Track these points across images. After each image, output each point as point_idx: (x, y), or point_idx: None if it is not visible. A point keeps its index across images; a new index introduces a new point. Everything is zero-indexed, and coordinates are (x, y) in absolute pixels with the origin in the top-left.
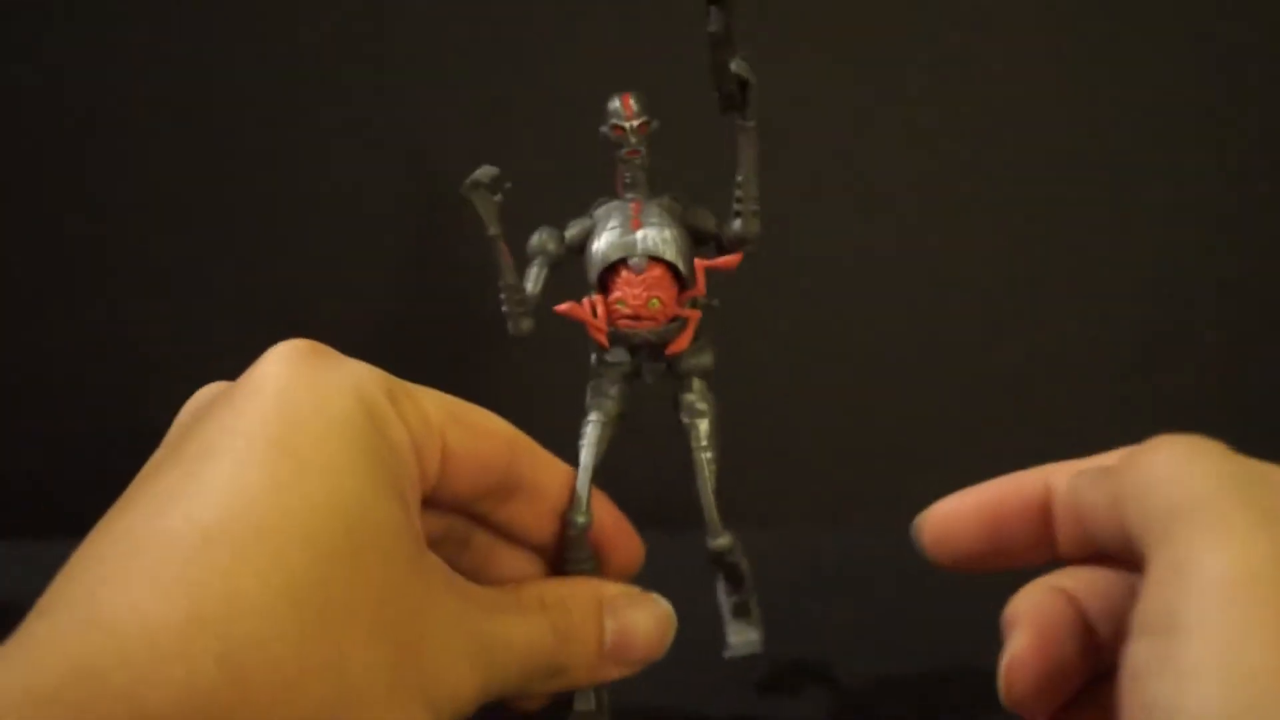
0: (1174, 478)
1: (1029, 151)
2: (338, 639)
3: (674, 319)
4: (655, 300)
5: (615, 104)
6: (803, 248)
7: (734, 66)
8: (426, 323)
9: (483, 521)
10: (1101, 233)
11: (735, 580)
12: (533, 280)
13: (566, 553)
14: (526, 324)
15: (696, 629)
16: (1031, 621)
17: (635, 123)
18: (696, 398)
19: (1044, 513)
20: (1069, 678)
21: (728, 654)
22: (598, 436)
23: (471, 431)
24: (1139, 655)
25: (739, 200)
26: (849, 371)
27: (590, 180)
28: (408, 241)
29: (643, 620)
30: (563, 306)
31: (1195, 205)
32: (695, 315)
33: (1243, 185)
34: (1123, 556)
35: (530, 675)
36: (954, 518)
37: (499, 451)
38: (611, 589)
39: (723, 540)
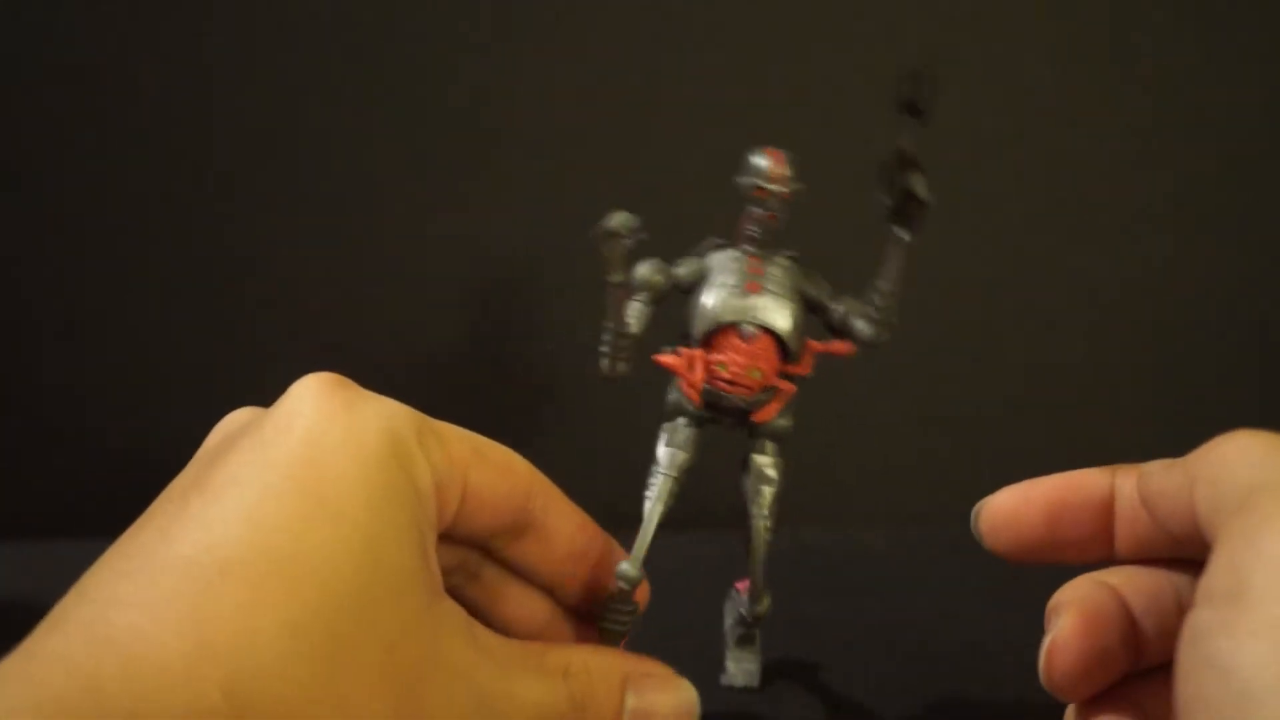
0: (1249, 461)
1: (1033, 157)
2: (342, 681)
3: (767, 388)
4: (757, 371)
5: (764, 162)
6: (814, 249)
7: (917, 187)
8: (475, 359)
9: (493, 556)
10: (1104, 242)
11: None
12: (635, 318)
13: (610, 603)
14: (623, 368)
15: (700, 628)
16: (1077, 608)
17: (784, 189)
18: (768, 464)
19: (1106, 509)
20: (1109, 665)
21: (725, 681)
22: (666, 491)
23: (493, 471)
24: (1202, 619)
25: (878, 307)
26: (851, 374)
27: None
28: (464, 280)
29: (666, 704)
30: (665, 359)
31: (1200, 210)
32: (790, 390)
33: (1247, 189)
34: (1186, 544)
35: None
36: (1016, 506)
37: (516, 492)
38: (640, 665)
39: (763, 606)
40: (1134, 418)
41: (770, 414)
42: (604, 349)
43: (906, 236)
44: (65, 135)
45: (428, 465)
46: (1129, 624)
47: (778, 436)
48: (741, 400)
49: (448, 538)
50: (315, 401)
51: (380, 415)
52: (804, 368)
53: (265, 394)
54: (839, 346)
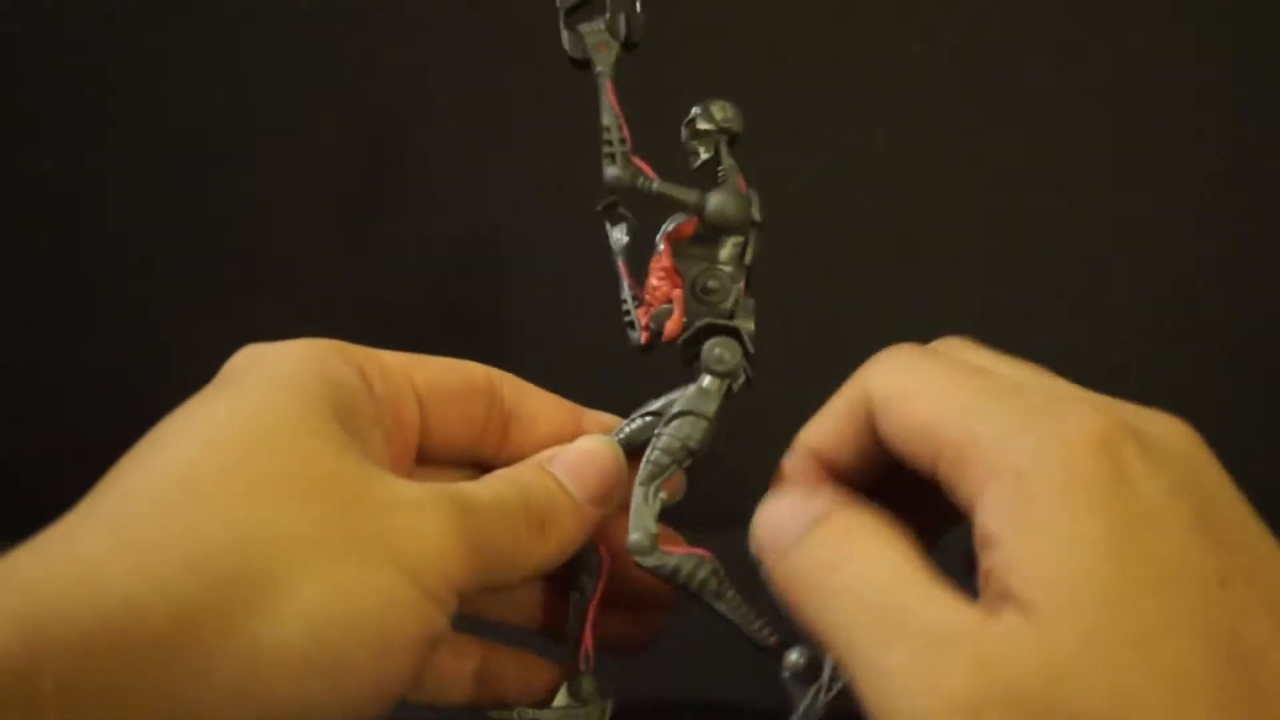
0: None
1: (1030, 153)
2: (236, 505)
3: (668, 302)
4: (653, 282)
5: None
6: (807, 245)
7: (582, 29)
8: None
9: (491, 467)
10: (1099, 239)
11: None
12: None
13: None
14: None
15: (709, 627)
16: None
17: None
18: (692, 390)
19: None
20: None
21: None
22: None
23: (441, 369)
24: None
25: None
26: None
27: None
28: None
29: (575, 449)
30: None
31: (1199, 211)
32: (677, 295)
33: (1246, 188)
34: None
35: (514, 529)
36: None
37: (476, 382)
38: (546, 451)
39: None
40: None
41: (672, 327)
42: (626, 319)
43: (595, 70)
44: None
45: (348, 364)
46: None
47: (715, 371)
48: (651, 320)
49: (435, 453)
50: (243, 352)
51: (298, 342)
52: (664, 260)
53: None
54: (680, 227)
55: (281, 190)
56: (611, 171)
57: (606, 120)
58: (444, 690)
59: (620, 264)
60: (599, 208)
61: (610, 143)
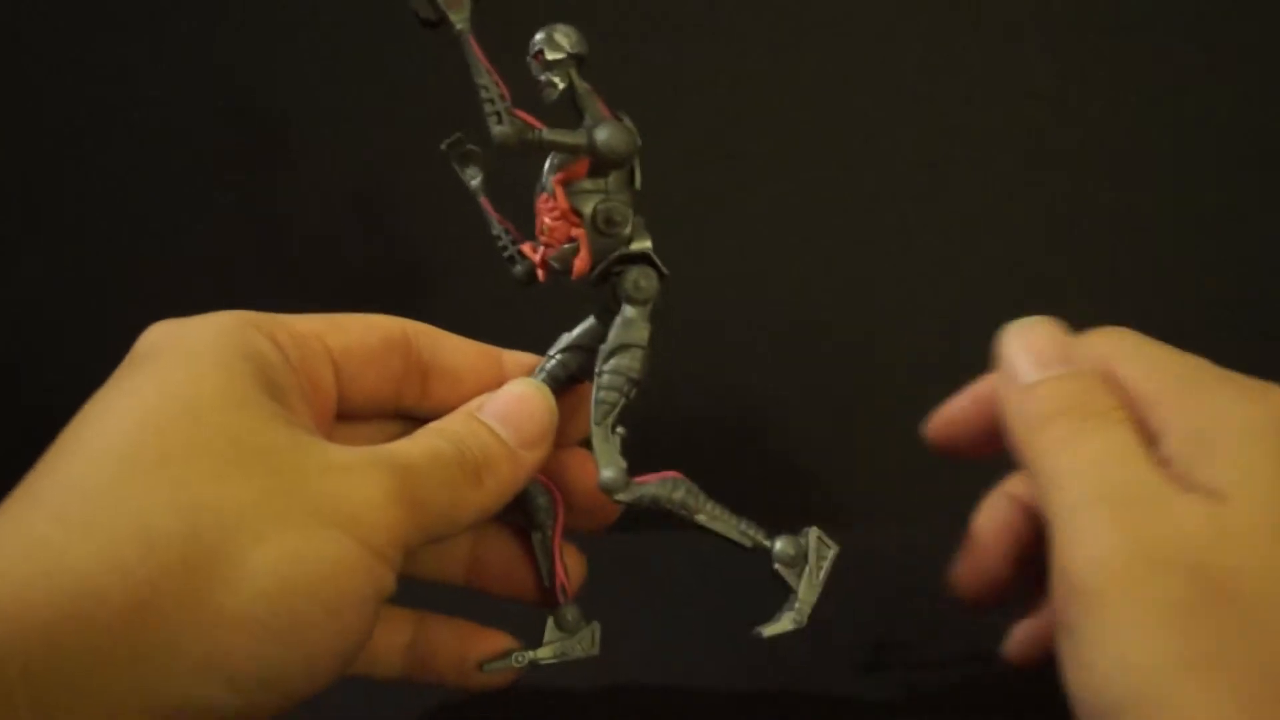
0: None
1: (1027, 151)
2: (173, 481)
3: (571, 241)
4: (547, 222)
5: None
6: (809, 247)
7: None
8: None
9: (414, 418)
10: (1099, 235)
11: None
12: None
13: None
14: (520, 270)
15: (692, 627)
16: (973, 536)
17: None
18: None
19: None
20: (1006, 575)
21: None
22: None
23: (355, 329)
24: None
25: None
26: (851, 374)
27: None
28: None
29: (505, 394)
30: (526, 246)
31: (1197, 209)
32: (580, 234)
33: (1245, 187)
34: None
35: (452, 482)
36: (951, 414)
37: (390, 337)
38: (475, 400)
39: (605, 476)
40: None
41: (580, 265)
42: (505, 255)
43: (452, 30)
44: None
45: (262, 334)
46: (1027, 529)
47: (636, 300)
48: (553, 259)
49: (359, 408)
50: (159, 325)
51: (210, 317)
52: (560, 203)
53: None
54: (569, 170)
55: (170, 158)
56: (499, 129)
57: (481, 79)
58: (376, 663)
59: (484, 202)
60: (443, 147)
61: (491, 100)
